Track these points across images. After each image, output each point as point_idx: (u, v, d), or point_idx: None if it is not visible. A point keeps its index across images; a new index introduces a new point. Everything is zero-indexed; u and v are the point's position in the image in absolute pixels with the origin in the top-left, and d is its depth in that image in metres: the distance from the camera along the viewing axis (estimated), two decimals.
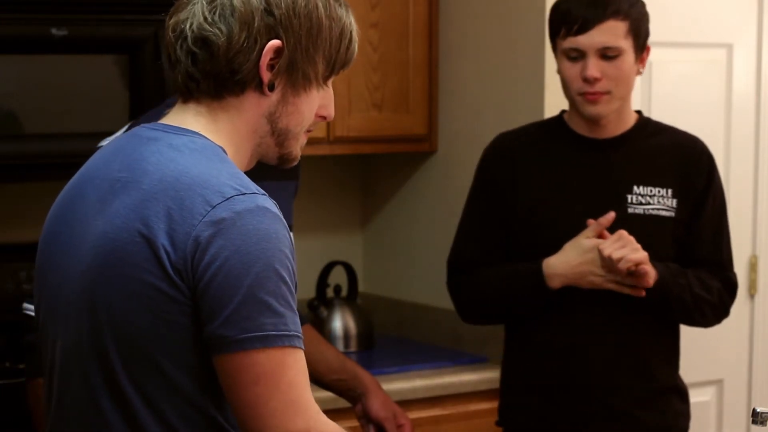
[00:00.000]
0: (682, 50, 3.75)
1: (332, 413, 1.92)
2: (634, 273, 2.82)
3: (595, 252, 2.84)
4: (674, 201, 2.93)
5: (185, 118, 1.88)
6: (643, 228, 2.89)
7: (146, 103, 3.21)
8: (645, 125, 3.00)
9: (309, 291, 3.87)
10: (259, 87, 1.86)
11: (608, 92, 2.87)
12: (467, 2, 3.77)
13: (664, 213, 2.92)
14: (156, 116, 2.04)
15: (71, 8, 3.22)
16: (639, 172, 2.93)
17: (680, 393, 3.01)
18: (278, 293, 1.74)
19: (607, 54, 2.85)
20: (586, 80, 2.86)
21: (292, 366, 1.74)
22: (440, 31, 3.85)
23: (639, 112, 3.03)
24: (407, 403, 3.28)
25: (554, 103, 3.49)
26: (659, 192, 2.93)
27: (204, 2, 1.84)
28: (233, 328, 1.72)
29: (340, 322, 3.79)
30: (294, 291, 1.77)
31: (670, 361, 2.99)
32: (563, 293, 2.89)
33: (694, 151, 2.99)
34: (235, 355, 1.72)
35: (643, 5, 2.92)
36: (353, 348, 3.77)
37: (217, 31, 1.83)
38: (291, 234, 1.84)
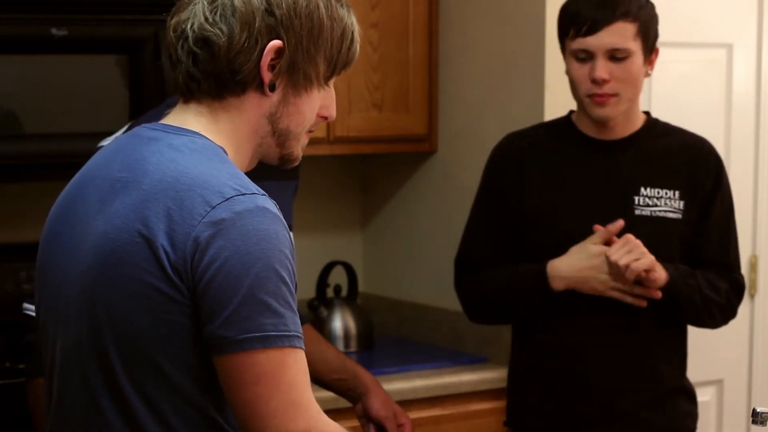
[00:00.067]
0: (682, 50, 3.75)
1: (333, 413, 1.92)
2: (642, 279, 2.82)
3: (601, 258, 2.84)
4: (681, 203, 2.93)
5: (186, 118, 1.87)
6: (650, 230, 2.89)
7: (146, 103, 3.21)
8: (653, 126, 3.00)
9: (309, 291, 3.87)
10: (260, 87, 1.86)
11: (616, 94, 2.87)
12: (467, 2, 3.77)
13: (671, 215, 2.92)
14: (156, 116, 2.04)
15: (71, 8, 3.22)
16: (646, 174, 2.93)
17: (687, 394, 3.01)
18: (278, 293, 1.74)
19: (616, 55, 2.85)
20: (595, 81, 2.85)
21: (293, 366, 1.74)
22: (440, 31, 3.85)
23: (647, 113, 3.02)
24: (407, 403, 3.28)
25: (554, 103, 3.49)
26: (666, 194, 2.92)
27: (205, 2, 1.84)
28: (233, 328, 1.72)
29: (340, 322, 3.79)
30: (294, 291, 1.77)
31: (677, 362, 2.99)
32: (570, 294, 2.89)
33: (702, 152, 2.98)
34: (235, 356, 1.72)
35: (652, 7, 2.91)
36: (353, 348, 3.77)
37: (218, 31, 1.83)
38: (291, 234, 1.84)
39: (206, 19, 1.83)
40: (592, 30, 2.84)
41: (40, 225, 1.97)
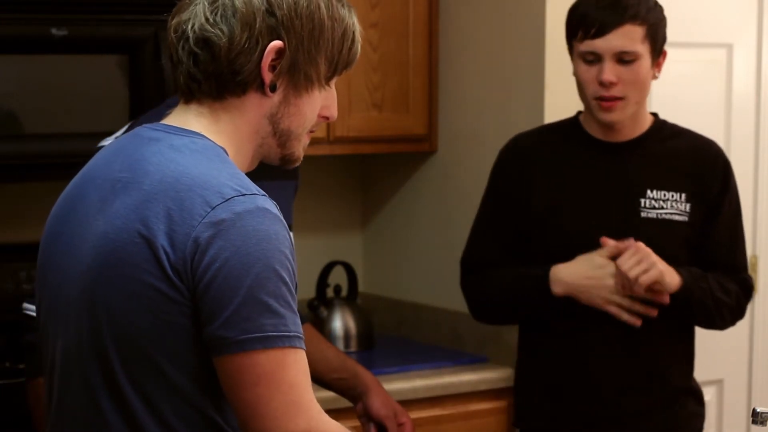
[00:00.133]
0: (682, 50, 3.75)
1: (333, 413, 1.92)
2: (650, 288, 2.82)
3: (604, 271, 2.84)
4: (687, 205, 2.92)
5: (187, 118, 1.87)
6: (656, 232, 2.89)
7: (146, 103, 3.21)
8: (660, 128, 2.99)
9: (309, 291, 3.87)
10: (260, 88, 1.86)
11: (623, 97, 2.86)
12: (467, 2, 3.77)
13: (677, 217, 2.92)
14: (156, 116, 2.04)
15: (71, 8, 3.21)
16: (653, 176, 2.93)
17: (695, 394, 3.02)
18: (278, 294, 1.73)
19: (624, 58, 2.84)
20: (602, 84, 2.85)
21: (293, 366, 1.74)
22: (440, 31, 3.84)
23: (655, 115, 3.02)
24: (407, 403, 3.27)
25: (554, 103, 3.49)
26: (672, 196, 2.92)
27: (206, 3, 1.84)
28: (233, 329, 1.72)
29: (340, 322, 3.79)
30: (294, 291, 1.77)
31: (684, 363, 3.00)
32: (574, 298, 2.89)
33: (710, 155, 2.98)
34: (235, 356, 1.72)
35: (660, 10, 2.91)
36: (353, 348, 3.77)
37: (219, 31, 1.83)
38: (291, 234, 1.84)
39: (207, 19, 1.83)
40: (601, 32, 2.83)
41: (40, 225, 1.97)
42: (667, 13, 2.98)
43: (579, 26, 2.87)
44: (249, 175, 1.83)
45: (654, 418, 2.93)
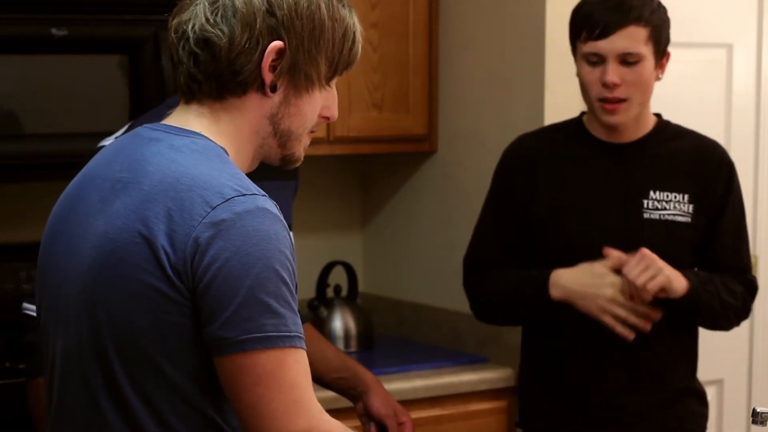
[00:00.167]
0: (682, 50, 3.75)
1: (333, 412, 1.92)
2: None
3: (604, 280, 2.82)
4: (690, 206, 2.92)
5: (187, 119, 1.87)
6: (659, 233, 2.89)
7: (146, 103, 3.21)
8: (664, 129, 2.99)
9: (309, 291, 3.87)
10: (261, 88, 1.86)
11: (627, 99, 2.86)
12: (467, 2, 3.77)
13: (679, 218, 2.91)
14: (156, 116, 2.04)
15: (71, 8, 3.21)
16: (656, 177, 2.92)
17: (698, 395, 3.02)
18: (278, 294, 1.73)
19: (628, 59, 2.84)
20: (606, 85, 2.84)
21: (293, 366, 1.74)
22: (440, 31, 3.84)
23: (658, 116, 3.02)
24: (407, 403, 3.27)
25: (554, 103, 3.49)
26: (675, 197, 2.92)
27: (206, 3, 1.84)
28: (234, 329, 1.72)
29: (340, 322, 3.79)
30: (294, 291, 1.77)
31: (687, 363, 3.00)
32: None
33: (713, 156, 2.98)
34: (235, 357, 1.72)
35: (664, 11, 2.91)
36: (353, 348, 3.77)
37: (219, 32, 1.82)
38: (291, 234, 1.84)
39: (207, 20, 1.83)
40: (605, 34, 2.83)
41: (40, 225, 1.97)
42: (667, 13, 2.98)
43: (583, 27, 2.87)
44: (249, 175, 1.83)
45: (657, 418, 2.93)
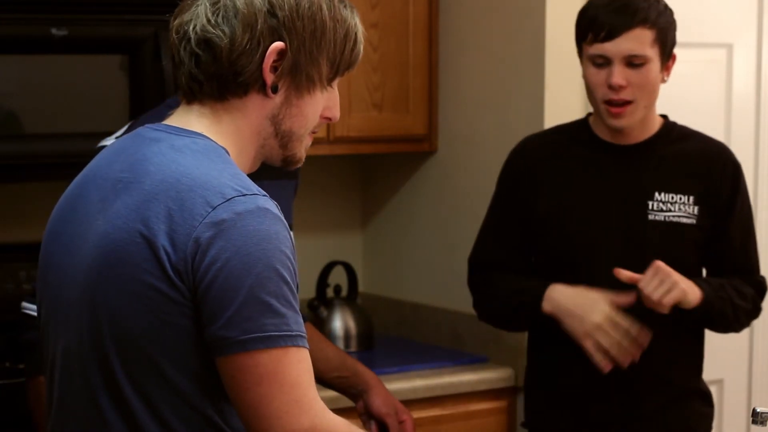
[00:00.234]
0: (682, 50, 3.74)
1: (334, 412, 1.92)
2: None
3: (596, 305, 2.79)
4: (695, 208, 2.92)
5: (189, 119, 1.87)
6: (663, 235, 2.88)
7: (146, 103, 3.21)
8: (669, 131, 2.99)
9: (309, 291, 3.87)
10: (262, 89, 1.86)
11: (632, 101, 2.85)
12: (467, 2, 3.77)
13: (684, 220, 2.91)
14: (156, 116, 2.04)
15: (71, 8, 3.21)
16: (661, 179, 2.92)
17: (703, 396, 3.02)
18: (279, 294, 1.74)
19: (633, 62, 2.83)
20: (611, 87, 2.84)
21: (295, 365, 1.74)
22: (440, 31, 3.84)
23: (664, 117, 3.01)
24: (407, 403, 3.27)
25: (554, 103, 3.49)
26: (680, 199, 2.92)
27: (207, 4, 1.84)
28: (235, 329, 1.72)
29: (340, 322, 3.79)
30: (295, 291, 1.77)
31: (693, 364, 3.00)
32: None
33: (719, 158, 2.97)
34: (237, 357, 1.72)
35: (670, 13, 2.90)
36: (353, 348, 3.77)
37: (220, 33, 1.82)
38: (291, 234, 1.84)
39: (208, 20, 1.83)
40: (611, 36, 2.82)
41: (41, 225, 1.97)
42: None
43: (589, 29, 2.86)
44: (249, 175, 1.83)
45: (662, 419, 2.93)
